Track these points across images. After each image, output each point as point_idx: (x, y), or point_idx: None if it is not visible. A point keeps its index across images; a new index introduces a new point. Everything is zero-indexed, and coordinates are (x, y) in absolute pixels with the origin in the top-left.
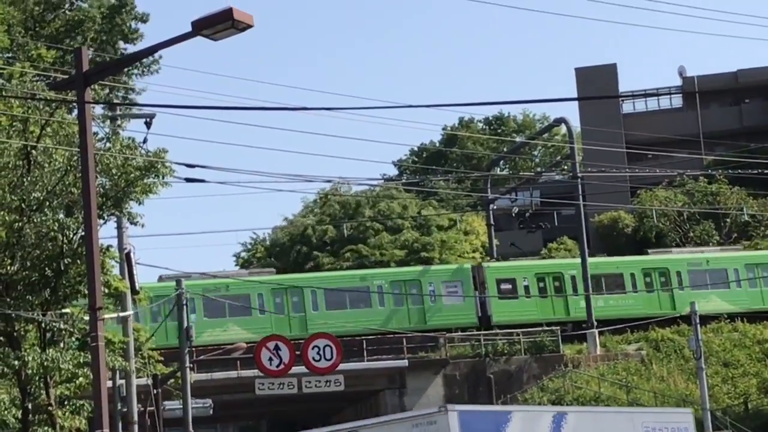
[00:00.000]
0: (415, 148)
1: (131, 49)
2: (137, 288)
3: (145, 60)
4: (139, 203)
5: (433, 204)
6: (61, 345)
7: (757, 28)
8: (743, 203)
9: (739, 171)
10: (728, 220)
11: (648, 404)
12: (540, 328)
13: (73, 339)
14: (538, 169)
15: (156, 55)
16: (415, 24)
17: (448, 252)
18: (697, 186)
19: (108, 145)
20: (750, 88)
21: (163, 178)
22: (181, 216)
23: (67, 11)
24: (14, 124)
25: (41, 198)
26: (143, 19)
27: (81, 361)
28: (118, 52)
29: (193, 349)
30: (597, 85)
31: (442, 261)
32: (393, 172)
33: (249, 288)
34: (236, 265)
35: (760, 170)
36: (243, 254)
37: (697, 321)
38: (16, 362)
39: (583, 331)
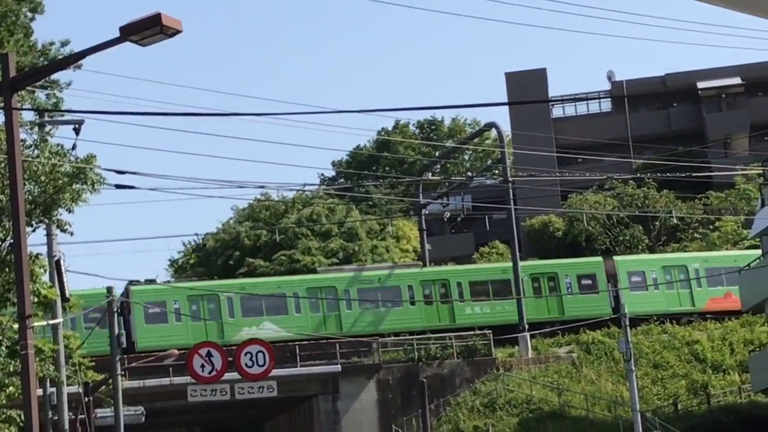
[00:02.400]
0: (351, 151)
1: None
2: (67, 295)
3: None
4: (69, 211)
5: (361, 208)
6: None
7: (685, 32)
8: (672, 206)
9: (668, 174)
10: (657, 223)
11: (579, 406)
12: (472, 333)
13: (2, 347)
14: (470, 174)
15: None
16: (348, 29)
17: (378, 258)
18: (626, 190)
19: (36, 151)
20: (678, 92)
21: (92, 185)
22: (114, 222)
23: None
24: None
25: None
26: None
27: (11, 369)
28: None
29: (125, 356)
30: (527, 90)
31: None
32: (330, 174)
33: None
34: (170, 270)
35: (688, 173)
36: (177, 259)
37: (627, 323)
38: None
39: (514, 335)
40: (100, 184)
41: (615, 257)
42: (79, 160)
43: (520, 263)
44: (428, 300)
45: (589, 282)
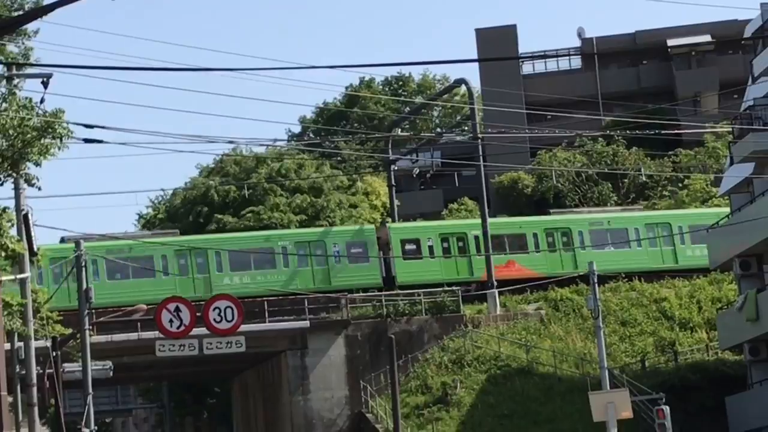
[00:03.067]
0: (318, 107)
1: None
2: (35, 250)
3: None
4: (37, 165)
5: (330, 164)
6: None
7: None
8: (641, 164)
9: (637, 132)
10: (626, 180)
11: (547, 363)
12: (441, 289)
13: None
14: (439, 130)
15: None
16: None
17: (346, 214)
18: (595, 147)
19: (4, 105)
20: (648, 50)
21: (60, 139)
22: (82, 177)
23: None
24: None
25: None
26: None
27: None
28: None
29: (93, 311)
30: (497, 47)
31: (342, 223)
32: (297, 129)
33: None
34: (138, 226)
35: (657, 131)
36: (146, 214)
37: (595, 281)
38: None
39: (484, 291)
40: (68, 138)
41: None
42: (47, 114)
43: None
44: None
45: (360, 250)
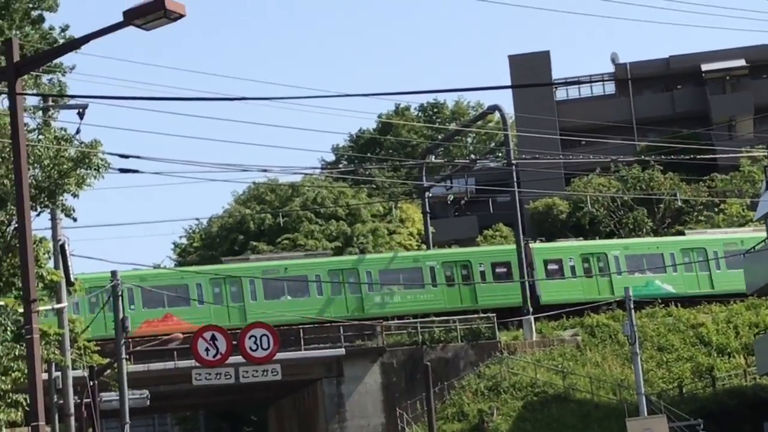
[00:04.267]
0: (353, 135)
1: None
2: (72, 279)
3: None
4: (75, 196)
5: (365, 192)
6: None
7: (688, 14)
8: (676, 189)
9: (672, 157)
10: (661, 206)
11: (584, 389)
12: (476, 315)
13: (8, 332)
14: (473, 157)
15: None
16: (351, 12)
17: (382, 241)
18: (630, 172)
19: (40, 137)
20: (682, 75)
21: (97, 170)
22: (118, 207)
23: None
24: None
25: None
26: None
27: (16, 353)
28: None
29: (130, 340)
30: (530, 73)
31: (375, 250)
32: (331, 158)
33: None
34: (174, 254)
35: (692, 156)
36: (181, 243)
37: (632, 306)
38: None
39: (519, 318)
40: (105, 169)
41: (531, 245)
42: (83, 144)
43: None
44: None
45: (504, 270)
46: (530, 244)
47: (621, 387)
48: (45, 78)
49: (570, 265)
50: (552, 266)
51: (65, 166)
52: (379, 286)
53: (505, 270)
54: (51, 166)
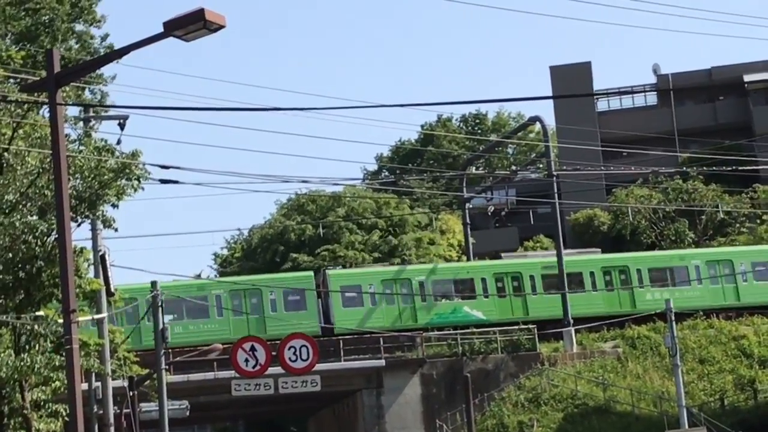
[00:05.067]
0: (394, 146)
1: (97, 32)
2: (112, 290)
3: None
4: (114, 206)
5: (407, 203)
6: (36, 348)
7: (731, 25)
8: (718, 200)
9: (714, 168)
10: (703, 217)
11: (625, 401)
12: (517, 327)
13: (48, 342)
14: (514, 168)
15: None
16: (394, 23)
17: (424, 252)
18: (672, 184)
19: (81, 147)
20: (724, 86)
21: (138, 181)
22: (158, 218)
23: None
24: None
25: (14, 200)
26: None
27: (56, 364)
28: (87, 39)
29: (170, 350)
30: (572, 84)
31: (418, 260)
32: (373, 168)
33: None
34: (215, 265)
35: (734, 167)
36: (222, 254)
37: (673, 318)
38: None
39: (559, 329)
40: (145, 179)
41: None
42: (124, 155)
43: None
44: None
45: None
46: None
47: (662, 399)
48: (87, 90)
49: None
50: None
51: (106, 177)
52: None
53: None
54: (91, 176)
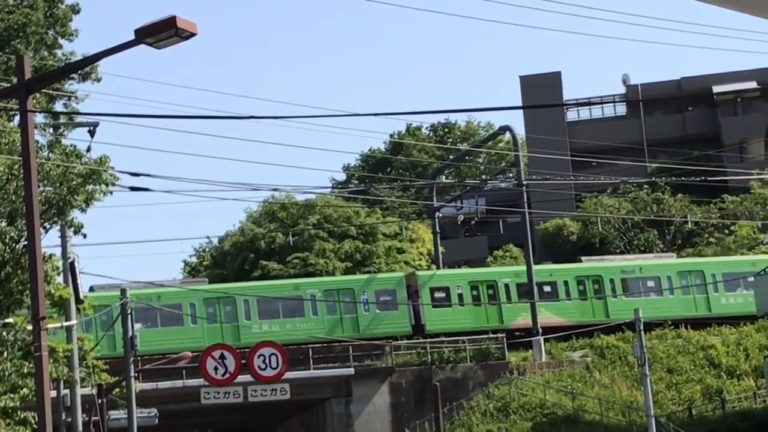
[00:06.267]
0: (363, 154)
1: (68, 46)
2: (81, 297)
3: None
4: (83, 211)
5: (378, 212)
6: (4, 355)
7: (700, 36)
8: (687, 210)
9: (683, 178)
10: (672, 227)
11: (593, 411)
12: (486, 336)
13: (16, 349)
14: (484, 177)
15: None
16: (362, 32)
17: (393, 261)
18: (641, 194)
19: (51, 154)
20: (693, 96)
21: (106, 185)
22: (128, 225)
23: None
24: None
25: None
26: (75, 10)
27: (24, 371)
28: (56, 53)
29: (138, 358)
30: (541, 93)
31: (387, 270)
32: (342, 178)
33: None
34: (184, 272)
35: (703, 177)
36: (191, 262)
37: (641, 328)
38: None
39: (529, 339)
40: (113, 185)
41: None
42: (92, 161)
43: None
44: None
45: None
46: (416, 273)
47: (630, 408)
48: (59, 104)
49: (458, 293)
50: (439, 294)
51: (74, 183)
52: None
53: None
54: (60, 182)
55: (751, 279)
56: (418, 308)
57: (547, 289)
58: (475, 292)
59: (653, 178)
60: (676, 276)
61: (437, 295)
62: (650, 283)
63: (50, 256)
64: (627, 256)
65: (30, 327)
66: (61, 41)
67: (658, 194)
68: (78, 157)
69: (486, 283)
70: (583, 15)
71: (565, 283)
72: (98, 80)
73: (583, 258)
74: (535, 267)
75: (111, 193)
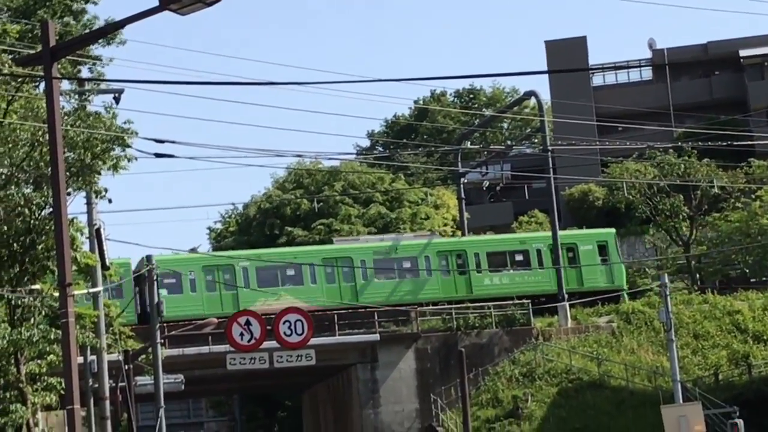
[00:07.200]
0: (388, 120)
1: (93, 10)
2: (107, 264)
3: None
4: (114, 170)
5: (402, 179)
6: (31, 321)
7: (727, 0)
8: (713, 175)
9: (709, 143)
10: (698, 192)
11: (619, 376)
12: (511, 302)
13: (43, 315)
14: (509, 143)
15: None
16: None
17: (418, 227)
18: (666, 158)
19: (75, 120)
20: (720, 60)
21: (129, 146)
22: (153, 192)
23: None
24: None
25: (8, 173)
26: None
27: (51, 337)
28: (82, 17)
29: (164, 324)
30: (567, 58)
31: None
32: (366, 144)
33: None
34: (210, 239)
35: (729, 142)
36: (216, 228)
37: (668, 293)
38: None
39: (554, 304)
40: (134, 158)
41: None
42: (117, 128)
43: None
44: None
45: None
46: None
47: (656, 374)
48: (85, 69)
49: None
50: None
51: (98, 149)
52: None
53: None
54: (84, 148)
55: (520, 258)
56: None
57: (290, 272)
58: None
59: (679, 143)
60: (435, 256)
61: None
62: (406, 264)
63: (72, 219)
64: (385, 236)
65: (56, 293)
66: (86, 6)
67: (684, 159)
68: (101, 121)
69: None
70: None
71: (311, 266)
72: (122, 43)
73: (334, 239)
74: (280, 250)
75: (136, 159)
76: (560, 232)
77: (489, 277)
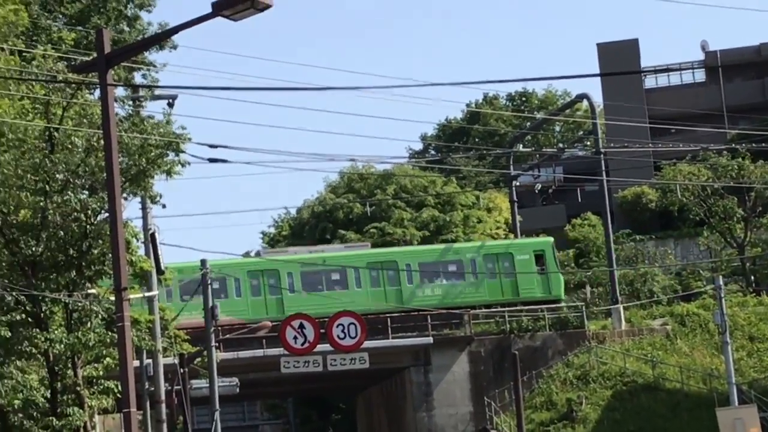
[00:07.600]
0: (440, 123)
1: (146, 17)
2: (162, 268)
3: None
4: (168, 175)
5: (454, 182)
6: (88, 325)
7: None
8: (767, 177)
9: (763, 144)
10: (752, 194)
11: (674, 379)
12: (564, 305)
13: (99, 319)
14: (561, 146)
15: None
16: (439, 2)
17: (471, 230)
18: (720, 160)
19: (130, 126)
20: None
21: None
22: (207, 197)
23: None
24: (36, 106)
25: (64, 179)
26: None
27: (108, 341)
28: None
29: (219, 328)
30: (619, 61)
31: (465, 239)
32: (418, 147)
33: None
34: (263, 243)
35: None
36: (270, 233)
37: (722, 295)
38: (43, 343)
39: (608, 307)
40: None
41: None
42: (172, 134)
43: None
44: None
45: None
46: None
47: (711, 376)
48: (138, 75)
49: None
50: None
51: (152, 154)
52: None
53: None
54: (138, 154)
55: (454, 269)
56: None
57: (216, 285)
58: None
59: (733, 145)
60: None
61: None
62: (335, 277)
63: (126, 222)
64: (313, 247)
65: (112, 297)
66: (140, 13)
67: (738, 160)
68: (156, 126)
69: None
70: None
71: (237, 280)
72: (174, 47)
73: (262, 251)
74: (190, 264)
75: (189, 164)
76: (496, 241)
77: (422, 289)
